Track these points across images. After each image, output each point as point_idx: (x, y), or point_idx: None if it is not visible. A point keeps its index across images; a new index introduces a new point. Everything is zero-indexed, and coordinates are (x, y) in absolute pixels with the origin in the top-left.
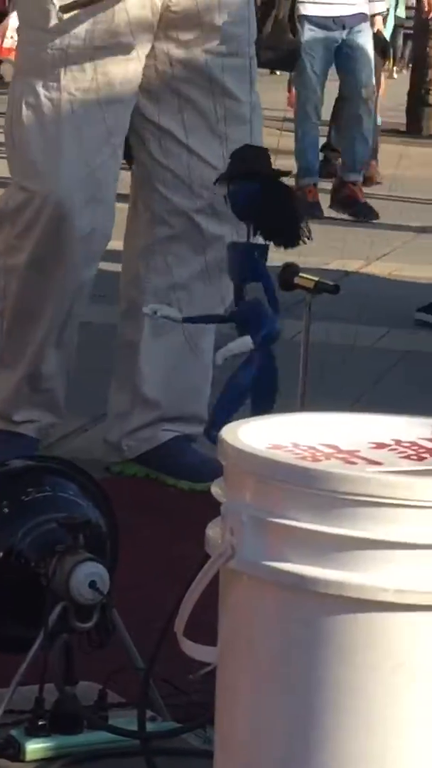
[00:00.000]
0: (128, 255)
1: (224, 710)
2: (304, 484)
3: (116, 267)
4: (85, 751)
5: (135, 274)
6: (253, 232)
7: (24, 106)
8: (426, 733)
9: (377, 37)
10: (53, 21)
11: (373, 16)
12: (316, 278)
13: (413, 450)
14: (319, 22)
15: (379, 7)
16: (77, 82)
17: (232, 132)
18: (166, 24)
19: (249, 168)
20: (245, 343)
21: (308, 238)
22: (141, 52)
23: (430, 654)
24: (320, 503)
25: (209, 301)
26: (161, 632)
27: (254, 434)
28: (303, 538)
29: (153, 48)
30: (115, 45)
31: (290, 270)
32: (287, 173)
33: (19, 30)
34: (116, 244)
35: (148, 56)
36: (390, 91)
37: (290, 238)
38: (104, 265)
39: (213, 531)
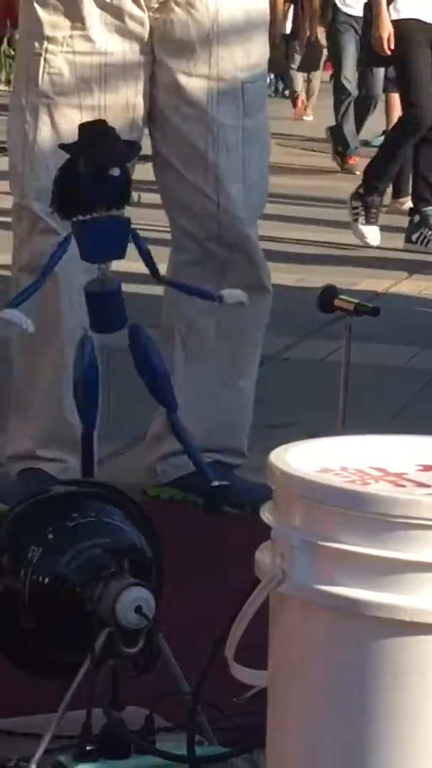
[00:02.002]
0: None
1: (275, 734)
2: (355, 508)
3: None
4: None
5: (167, 299)
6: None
7: (10, 113)
8: None
9: None
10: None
11: None
12: (355, 300)
13: None
14: None
15: None
16: (55, 86)
17: (222, 160)
18: (158, 48)
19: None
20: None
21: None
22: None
23: None
24: (371, 527)
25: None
26: (209, 656)
27: (303, 458)
28: (354, 561)
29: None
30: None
31: (329, 292)
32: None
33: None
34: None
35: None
36: None
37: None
38: (146, 289)
39: (262, 555)
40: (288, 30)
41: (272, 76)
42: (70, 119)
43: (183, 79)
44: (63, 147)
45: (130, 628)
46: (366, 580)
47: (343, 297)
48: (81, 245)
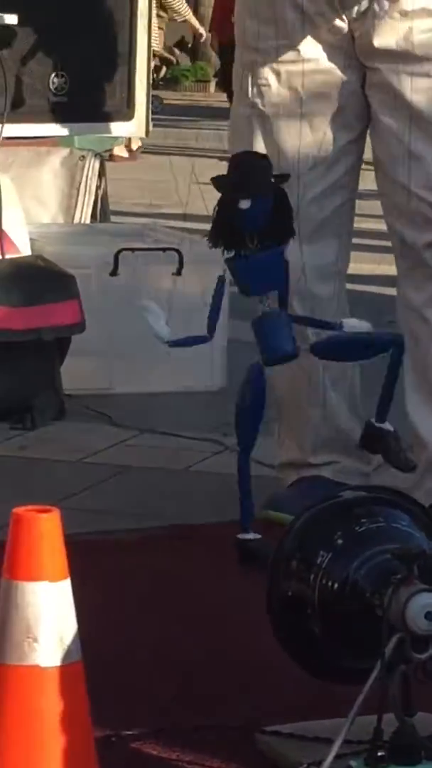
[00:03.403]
0: None
1: None
2: None
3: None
4: None
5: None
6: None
7: (231, 124)
8: None
9: None
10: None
11: None
12: None
13: None
14: None
15: None
16: (263, 96)
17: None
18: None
19: (256, 182)
20: (161, 332)
21: None
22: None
23: None
24: None
25: None
26: None
27: None
28: None
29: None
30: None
31: None
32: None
33: None
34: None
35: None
36: None
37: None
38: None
39: None
40: None
41: None
42: (280, 131)
43: (393, 78)
44: (215, 181)
45: (420, 633)
46: None
47: None
48: (239, 279)
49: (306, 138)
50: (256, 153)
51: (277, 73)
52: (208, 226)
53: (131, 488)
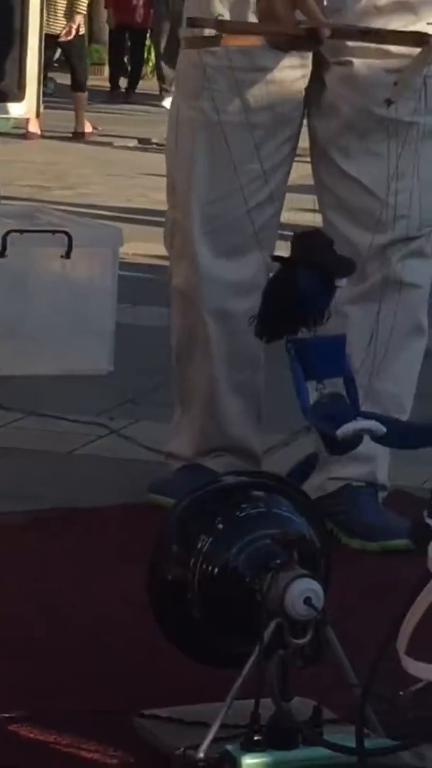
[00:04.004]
0: None
1: None
2: None
3: None
4: (301, 766)
5: None
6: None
7: (169, 122)
8: None
9: None
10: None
11: None
12: None
13: None
14: None
15: None
16: (213, 101)
17: (393, 155)
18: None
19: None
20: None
21: None
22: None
23: None
24: None
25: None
26: (380, 648)
27: None
28: None
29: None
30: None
31: None
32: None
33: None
34: None
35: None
36: None
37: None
38: None
39: None
40: None
41: None
42: (226, 139)
43: (356, 70)
44: (276, 258)
45: (298, 619)
46: None
47: None
48: (303, 364)
49: (251, 148)
50: (320, 230)
51: (230, 79)
52: (99, 210)
53: (15, 471)
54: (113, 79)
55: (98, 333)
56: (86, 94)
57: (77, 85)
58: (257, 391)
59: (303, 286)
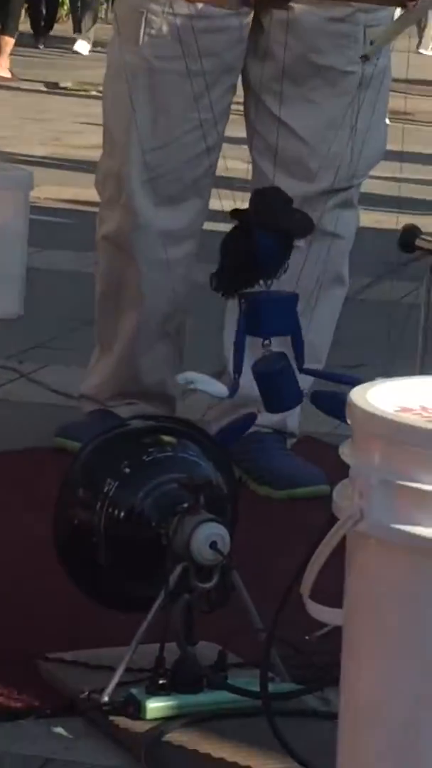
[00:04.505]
0: None
1: (350, 672)
2: None
3: None
4: (205, 710)
5: None
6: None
7: (107, 70)
8: None
9: None
10: None
11: None
12: None
13: None
14: None
15: None
16: (155, 48)
17: (328, 103)
18: None
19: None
20: (219, 391)
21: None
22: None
23: None
24: None
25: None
26: (284, 593)
27: (383, 397)
28: None
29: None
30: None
31: (411, 232)
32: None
33: None
34: None
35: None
36: None
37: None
38: None
39: (340, 494)
40: None
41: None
42: (167, 87)
43: (296, 16)
44: (235, 214)
45: (204, 563)
46: None
47: (425, 237)
48: (251, 320)
49: (191, 97)
50: (279, 189)
51: (172, 26)
52: (8, 154)
53: None
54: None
55: (8, 277)
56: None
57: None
58: (182, 338)
59: (263, 246)
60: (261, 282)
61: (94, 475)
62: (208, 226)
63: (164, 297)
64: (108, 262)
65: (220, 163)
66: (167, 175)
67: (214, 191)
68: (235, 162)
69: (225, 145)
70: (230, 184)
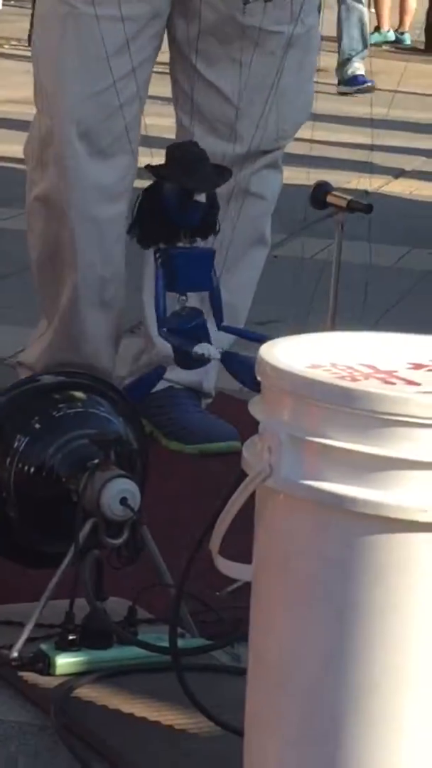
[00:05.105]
0: None
1: (258, 628)
2: (343, 404)
3: None
4: (115, 666)
5: None
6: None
7: (36, 20)
8: None
9: None
10: None
11: None
12: (348, 197)
13: None
14: None
15: None
16: None
17: (255, 63)
18: None
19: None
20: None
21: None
22: None
23: None
24: (359, 423)
25: None
26: (193, 549)
27: (292, 353)
28: (341, 457)
29: None
30: None
31: (322, 188)
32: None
33: None
34: None
35: None
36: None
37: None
38: None
39: (249, 450)
40: None
41: None
42: (94, 33)
43: None
44: (150, 169)
45: (114, 519)
46: (352, 476)
47: (336, 193)
48: (166, 275)
49: (119, 43)
50: (195, 144)
51: None
52: None
53: None
54: None
55: None
56: None
57: None
58: (119, 306)
59: (165, 201)
60: (182, 237)
61: (4, 431)
62: (139, 184)
63: (98, 256)
64: (43, 225)
65: (155, 121)
66: (97, 126)
67: (146, 150)
68: (170, 120)
69: (159, 105)
70: (164, 144)
